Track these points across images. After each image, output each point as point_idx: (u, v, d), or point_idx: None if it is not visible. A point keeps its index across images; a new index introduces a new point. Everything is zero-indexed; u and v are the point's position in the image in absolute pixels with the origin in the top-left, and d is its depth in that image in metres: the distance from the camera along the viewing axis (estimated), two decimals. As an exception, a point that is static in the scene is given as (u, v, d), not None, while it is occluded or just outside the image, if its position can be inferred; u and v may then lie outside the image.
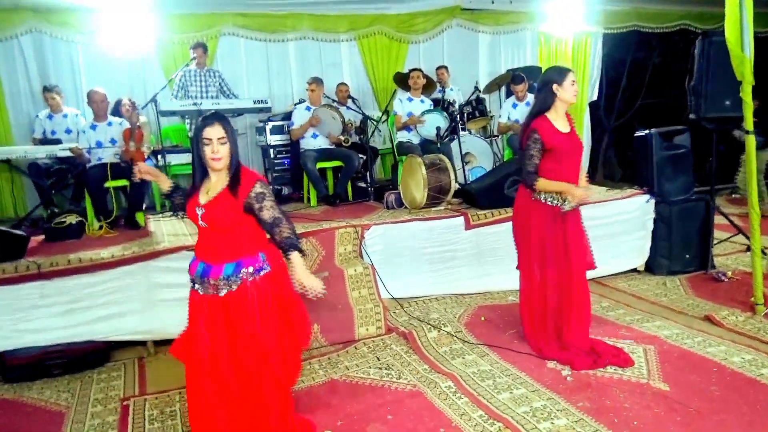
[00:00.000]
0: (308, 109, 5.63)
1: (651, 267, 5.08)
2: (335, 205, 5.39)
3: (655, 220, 5.01)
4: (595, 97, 8.31)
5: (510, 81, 6.24)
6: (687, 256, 5.02)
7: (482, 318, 4.09)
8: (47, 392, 3.41)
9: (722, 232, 5.52)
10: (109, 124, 4.95)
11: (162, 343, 3.91)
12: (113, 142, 4.90)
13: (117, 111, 5.41)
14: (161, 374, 3.57)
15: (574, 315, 3.34)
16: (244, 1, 6.35)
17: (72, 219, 4.49)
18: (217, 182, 2.42)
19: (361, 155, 5.79)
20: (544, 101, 3.28)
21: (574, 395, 2.96)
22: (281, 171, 6.13)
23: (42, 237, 4.43)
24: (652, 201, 4.98)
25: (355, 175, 5.83)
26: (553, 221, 3.25)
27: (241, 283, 2.37)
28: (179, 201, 2.58)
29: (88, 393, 3.37)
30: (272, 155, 6.11)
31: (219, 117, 2.38)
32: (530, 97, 6.08)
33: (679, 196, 5.02)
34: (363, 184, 5.97)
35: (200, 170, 2.45)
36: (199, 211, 2.38)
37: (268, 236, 2.42)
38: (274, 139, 6.07)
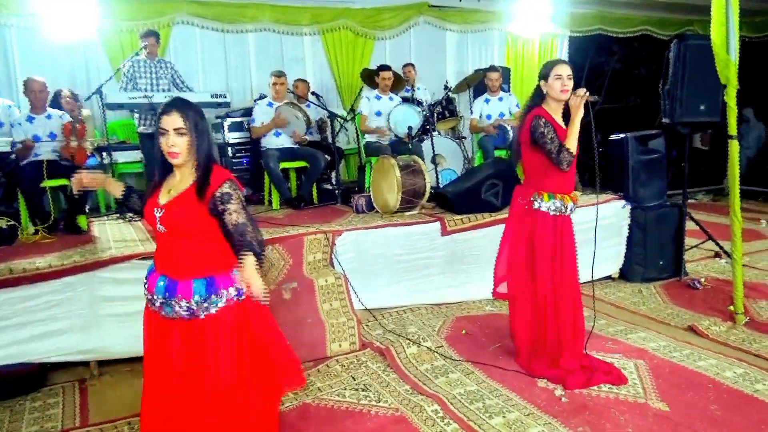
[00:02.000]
0: (270, 105, 5.24)
1: (626, 274, 4.97)
2: (300, 209, 5.02)
3: (630, 227, 4.90)
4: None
5: (484, 73, 6.08)
6: (660, 262, 4.94)
7: (463, 331, 3.83)
8: (-32, 425, 2.95)
9: (690, 238, 5.48)
10: (48, 116, 4.43)
11: (106, 364, 3.49)
12: (52, 136, 4.38)
13: (56, 103, 4.90)
14: (106, 400, 3.16)
15: (566, 330, 3.12)
16: (199, -12, 5.93)
17: (2, 223, 3.97)
18: (181, 180, 2.06)
19: (326, 155, 5.45)
20: (533, 100, 3.07)
21: (572, 419, 2.73)
22: (240, 171, 5.70)
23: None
24: (628, 207, 4.86)
25: (320, 177, 5.47)
26: (553, 232, 3.02)
27: (218, 308, 2.03)
28: (138, 205, 2.20)
29: (19, 426, 2.92)
30: (230, 154, 5.68)
31: (179, 104, 2.02)
32: (502, 94, 5.92)
33: (653, 201, 4.93)
34: (329, 186, 5.63)
35: (162, 165, 2.09)
36: (158, 213, 2.03)
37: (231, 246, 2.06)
38: (233, 137, 5.64)
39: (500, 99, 5.84)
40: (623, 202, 4.87)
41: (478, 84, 6.62)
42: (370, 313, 4.02)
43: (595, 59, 10.08)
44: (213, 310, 2.03)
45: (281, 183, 5.15)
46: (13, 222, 4.05)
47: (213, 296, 2.03)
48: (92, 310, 3.36)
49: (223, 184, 2.00)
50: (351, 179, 6.61)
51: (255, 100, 5.61)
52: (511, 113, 5.77)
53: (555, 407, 2.85)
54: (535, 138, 2.94)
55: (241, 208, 2.01)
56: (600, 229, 4.71)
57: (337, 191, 5.34)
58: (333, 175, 5.56)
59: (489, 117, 5.81)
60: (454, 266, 4.35)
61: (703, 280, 4.80)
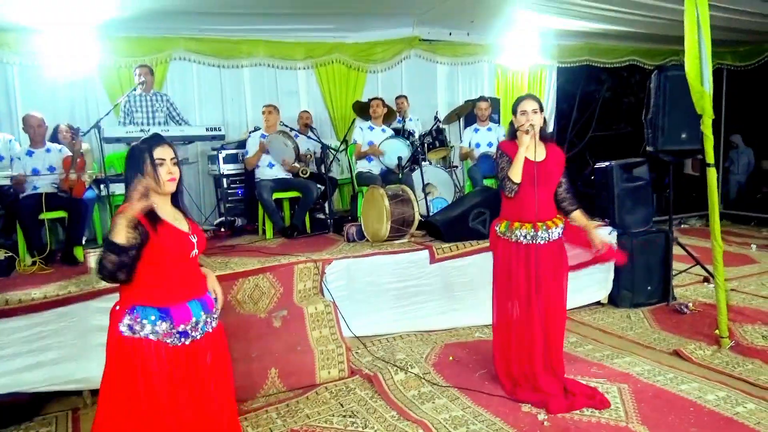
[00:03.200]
0: (263, 136, 5.39)
1: (614, 299, 5.03)
2: (293, 238, 5.13)
3: (617, 253, 4.97)
4: (550, 129, 8.41)
5: (474, 103, 6.28)
6: (649, 288, 5.01)
7: (450, 358, 3.89)
8: (-38, 455, 2.99)
9: (679, 263, 5.55)
10: (48, 150, 4.58)
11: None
12: (51, 169, 4.51)
13: (55, 137, 5.04)
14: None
15: (545, 355, 3.19)
16: (196, 26, 6.10)
17: (0, 254, 4.07)
18: (172, 210, 2.18)
19: (319, 185, 5.57)
20: (508, 133, 3.29)
21: (554, 442, 2.79)
22: (235, 201, 5.82)
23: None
24: (614, 233, 4.95)
25: (313, 206, 5.59)
26: (518, 258, 3.12)
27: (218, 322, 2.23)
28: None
29: (11, 454, 2.98)
30: (225, 185, 5.80)
31: (165, 139, 2.18)
32: (491, 124, 6.08)
33: (639, 227, 5.02)
34: (322, 216, 5.74)
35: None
36: (194, 239, 2.16)
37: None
38: (228, 168, 5.77)
39: (489, 129, 6.00)
40: (609, 228, 4.96)
41: (468, 114, 6.78)
42: (359, 341, 4.08)
43: (585, 88, 10.33)
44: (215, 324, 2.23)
45: (274, 213, 5.26)
46: (11, 254, 4.14)
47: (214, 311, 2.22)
48: (85, 339, 3.43)
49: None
50: (344, 209, 6.72)
51: (249, 133, 5.75)
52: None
53: (537, 431, 2.90)
54: (495, 168, 3.12)
55: None
56: (588, 255, 4.87)
57: (329, 221, 5.45)
58: (326, 204, 5.67)
59: (478, 146, 5.97)
60: (443, 293, 4.43)
61: (690, 304, 4.85)
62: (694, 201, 8.77)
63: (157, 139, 2.15)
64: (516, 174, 3.04)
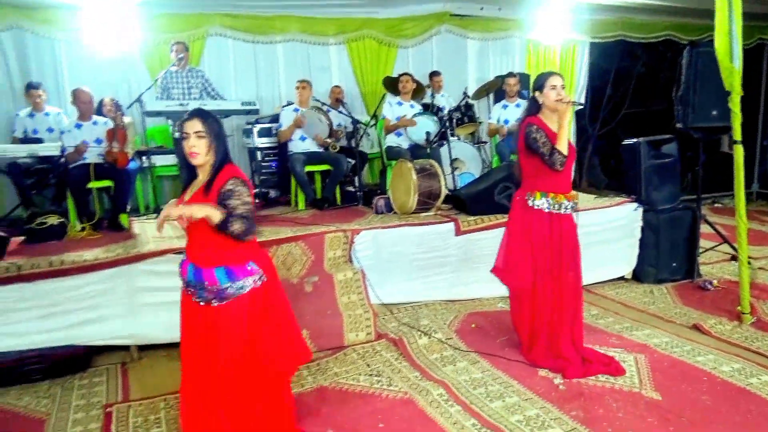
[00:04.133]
0: (296, 110, 5.57)
1: (638, 275, 5.09)
2: (323, 209, 5.33)
3: (642, 229, 5.03)
4: (581, 105, 8.36)
5: (503, 79, 6.32)
6: (674, 264, 5.05)
7: (473, 325, 4.06)
8: (26, 398, 3.30)
9: (707, 241, 5.56)
10: (94, 123, 4.85)
11: (145, 348, 3.83)
12: (98, 141, 4.79)
13: (100, 111, 5.30)
14: (145, 380, 3.49)
15: (566, 324, 3.32)
16: (231, 2, 6.26)
17: (53, 220, 4.37)
18: (200, 180, 2.37)
19: (349, 159, 5.73)
20: (529, 109, 3.32)
21: (567, 404, 2.94)
22: (268, 174, 6.04)
23: (22, 238, 4.30)
24: (640, 209, 5.00)
25: (343, 180, 5.77)
26: (549, 228, 3.23)
27: (236, 297, 2.32)
28: None
29: (69, 399, 3.27)
30: (259, 158, 6.02)
31: (199, 112, 2.35)
32: (520, 101, 6.12)
33: (666, 204, 5.05)
34: (351, 189, 5.92)
35: (186, 168, 2.40)
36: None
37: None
38: (262, 142, 5.98)
39: (517, 105, 6.04)
40: (635, 204, 5.00)
41: (497, 90, 6.82)
42: (386, 307, 4.27)
43: (620, 64, 10.15)
44: (232, 296, 2.33)
45: (306, 185, 5.46)
46: (63, 220, 4.43)
47: (232, 283, 2.32)
48: (132, 299, 3.71)
49: (227, 181, 2.28)
50: (374, 182, 6.88)
51: (282, 107, 5.93)
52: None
53: (552, 394, 3.06)
54: (529, 143, 3.18)
55: (241, 203, 2.26)
56: (612, 231, 4.95)
57: (359, 193, 5.63)
58: (356, 178, 5.84)
59: (506, 122, 6.02)
60: (467, 265, 4.57)
61: (715, 282, 4.89)
62: (730, 179, 8.61)
63: (189, 114, 2.34)
64: (564, 146, 3.12)
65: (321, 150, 5.60)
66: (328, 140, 5.51)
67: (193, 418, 2.44)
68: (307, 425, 2.81)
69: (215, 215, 2.17)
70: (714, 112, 4.76)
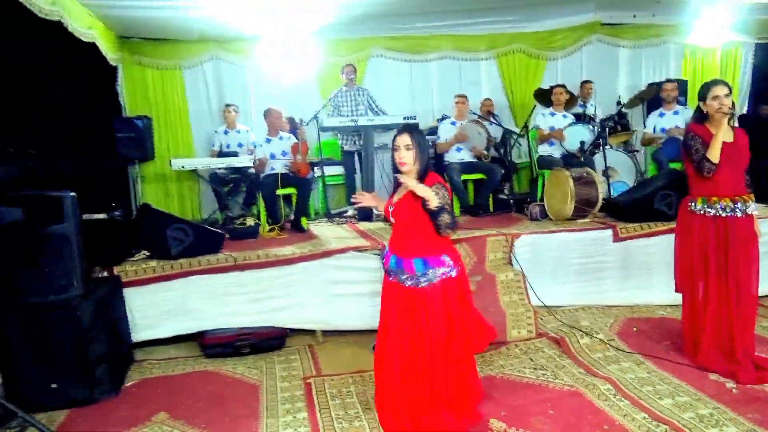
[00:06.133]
0: (454, 123, 5.96)
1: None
2: (477, 216, 5.65)
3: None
4: (745, 110, 7.90)
5: (658, 87, 6.28)
6: None
7: (634, 329, 4.14)
8: (240, 368, 3.96)
9: None
10: (281, 138, 5.61)
11: (329, 334, 4.38)
12: (284, 154, 5.54)
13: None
14: (331, 360, 4.00)
15: (737, 329, 3.32)
16: (391, 26, 6.82)
17: (251, 221, 5.14)
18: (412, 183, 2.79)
19: (501, 169, 6.00)
20: (693, 117, 3.47)
21: (743, 407, 2.97)
22: (424, 183, 6.49)
23: (226, 236, 5.10)
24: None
25: (495, 188, 6.05)
26: (714, 232, 3.29)
27: (431, 283, 2.71)
28: None
29: (273, 371, 3.87)
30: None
31: (407, 128, 2.78)
32: (678, 107, 6.00)
33: None
34: (503, 196, 6.18)
35: (395, 174, 2.84)
36: (390, 209, 2.80)
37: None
38: (418, 153, 6.44)
39: (675, 113, 5.93)
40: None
41: (651, 98, 6.72)
42: (545, 308, 4.48)
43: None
44: (429, 283, 2.72)
45: (461, 193, 5.83)
46: (257, 221, 5.20)
47: (428, 272, 2.72)
48: (321, 289, 4.29)
49: (434, 185, 2.67)
50: (523, 191, 7.07)
51: (439, 120, 6.36)
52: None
53: (726, 396, 3.09)
54: (685, 149, 3.34)
55: (446, 203, 2.64)
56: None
57: (511, 201, 5.87)
58: (507, 186, 6.09)
59: (663, 130, 5.94)
60: (626, 271, 4.64)
61: None
62: None
63: (399, 129, 2.79)
64: (715, 155, 3.21)
65: (475, 160, 5.94)
66: (485, 152, 5.83)
67: (389, 391, 2.85)
68: (482, 406, 3.13)
69: (434, 199, 2.57)
70: None
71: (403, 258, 2.76)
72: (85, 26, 4.84)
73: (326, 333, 4.39)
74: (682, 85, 6.78)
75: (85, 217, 3.71)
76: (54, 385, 3.35)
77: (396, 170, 2.81)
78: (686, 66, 7.67)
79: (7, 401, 3.03)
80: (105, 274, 4.02)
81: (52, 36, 4.39)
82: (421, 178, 2.73)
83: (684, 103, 6.63)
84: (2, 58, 4.25)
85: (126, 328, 3.98)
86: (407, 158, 2.72)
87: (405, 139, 2.72)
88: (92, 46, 5.16)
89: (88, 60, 5.34)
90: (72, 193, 3.44)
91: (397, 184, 2.84)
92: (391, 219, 2.82)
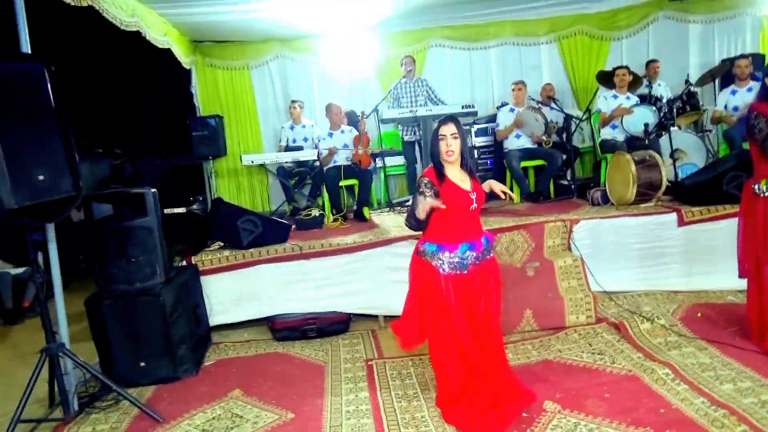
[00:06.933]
0: (512, 110, 5.97)
1: None
2: (538, 202, 5.65)
3: None
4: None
5: (731, 62, 6.00)
6: None
7: (699, 314, 4.06)
8: (307, 350, 4.22)
9: None
10: (342, 131, 5.82)
11: (390, 318, 4.56)
12: (346, 146, 5.75)
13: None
14: (392, 344, 4.14)
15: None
16: (450, 15, 6.86)
17: (316, 212, 5.40)
18: (459, 173, 2.89)
19: (562, 154, 5.95)
20: (761, 95, 3.31)
21: (810, 393, 2.90)
22: (484, 170, 6.54)
23: (293, 226, 5.38)
24: None
25: (557, 174, 6.01)
26: None
27: (491, 256, 2.95)
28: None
29: (338, 353, 4.11)
30: (476, 156, 6.55)
31: (453, 118, 2.87)
32: (752, 83, 5.72)
33: None
34: (564, 182, 6.13)
35: (438, 165, 2.90)
36: (473, 196, 2.84)
37: None
38: (478, 141, 6.51)
39: (749, 89, 5.64)
40: None
41: (724, 75, 6.41)
42: (605, 294, 4.46)
43: None
44: (491, 255, 2.96)
45: (522, 179, 5.84)
46: (322, 212, 5.45)
47: (489, 246, 2.95)
48: (381, 276, 4.47)
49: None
50: (585, 176, 6.96)
51: (498, 107, 6.37)
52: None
53: (792, 382, 3.02)
54: (748, 129, 3.23)
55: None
56: None
57: (572, 186, 5.82)
58: (568, 171, 6.03)
59: (735, 109, 5.68)
60: (691, 256, 4.53)
61: None
62: None
63: (445, 118, 2.88)
64: None
65: (535, 146, 5.92)
66: (544, 137, 5.80)
67: (455, 374, 2.96)
68: (536, 389, 3.20)
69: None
70: None
71: (474, 241, 2.88)
72: (160, 33, 5.23)
73: (387, 318, 4.57)
74: (759, 60, 6.41)
75: (167, 211, 4.07)
76: (142, 364, 3.73)
77: (436, 159, 2.89)
78: (765, 39, 7.23)
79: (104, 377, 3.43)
80: (184, 263, 4.38)
81: (132, 45, 4.79)
82: (467, 166, 2.87)
83: (759, 79, 6.27)
84: (88, 68, 4.69)
85: (204, 313, 4.33)
86: (455, 146, 2.81)
87: (451, 128, 2.82)
88: (167, 52, 5.56)
89: (164, 65, 5.75)
90: (153, 189, 3.79)
91: (442, 173, 2.91)
92: (473, 206, 2.85)
